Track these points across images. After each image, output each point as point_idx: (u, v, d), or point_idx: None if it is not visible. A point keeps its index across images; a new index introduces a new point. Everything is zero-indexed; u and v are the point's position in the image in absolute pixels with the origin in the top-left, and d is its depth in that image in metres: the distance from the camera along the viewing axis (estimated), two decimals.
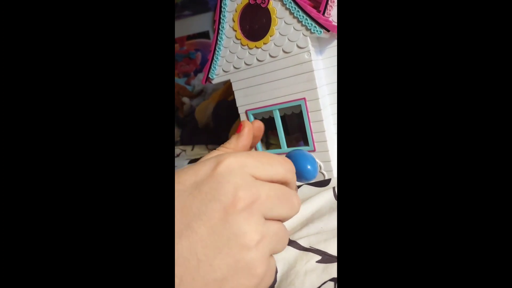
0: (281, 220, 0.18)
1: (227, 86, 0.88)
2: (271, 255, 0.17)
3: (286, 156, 0.26)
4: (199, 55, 1.49)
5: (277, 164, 0.18)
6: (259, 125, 0.25)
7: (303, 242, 0.30)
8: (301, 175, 0.22)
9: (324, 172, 0.51)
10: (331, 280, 0.25)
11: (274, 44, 0.48)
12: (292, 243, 0.30)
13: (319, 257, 0.28)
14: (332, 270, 0.26)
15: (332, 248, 0.29)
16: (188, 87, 1.30)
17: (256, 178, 0.17)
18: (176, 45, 1.52)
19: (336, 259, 0.27)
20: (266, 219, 0.17)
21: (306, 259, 0.28)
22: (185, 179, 0.17)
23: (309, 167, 0.21)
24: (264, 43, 0.49)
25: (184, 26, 1.47)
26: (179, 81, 1.44)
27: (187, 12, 1.46)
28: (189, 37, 1.49)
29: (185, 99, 1.11)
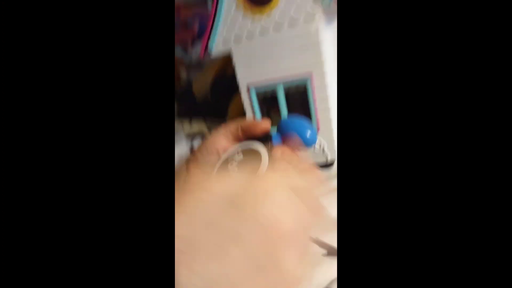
0: None
1: (226, 57, 0.83)
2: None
3: (281, 124, 0.24)
4: (196, 22, 1.41)
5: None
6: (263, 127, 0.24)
7: None
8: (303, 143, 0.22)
9: (328, 152, 0.49)
10: None
11: (280, 12, 0.44)
12: None
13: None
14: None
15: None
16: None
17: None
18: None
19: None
20: None
21: None
22: (216, 188, 0.15)
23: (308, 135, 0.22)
24: (269, 10, 0.44)
25: None
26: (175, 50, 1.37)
27: None
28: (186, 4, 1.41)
29: (181, 70, 1.06)
